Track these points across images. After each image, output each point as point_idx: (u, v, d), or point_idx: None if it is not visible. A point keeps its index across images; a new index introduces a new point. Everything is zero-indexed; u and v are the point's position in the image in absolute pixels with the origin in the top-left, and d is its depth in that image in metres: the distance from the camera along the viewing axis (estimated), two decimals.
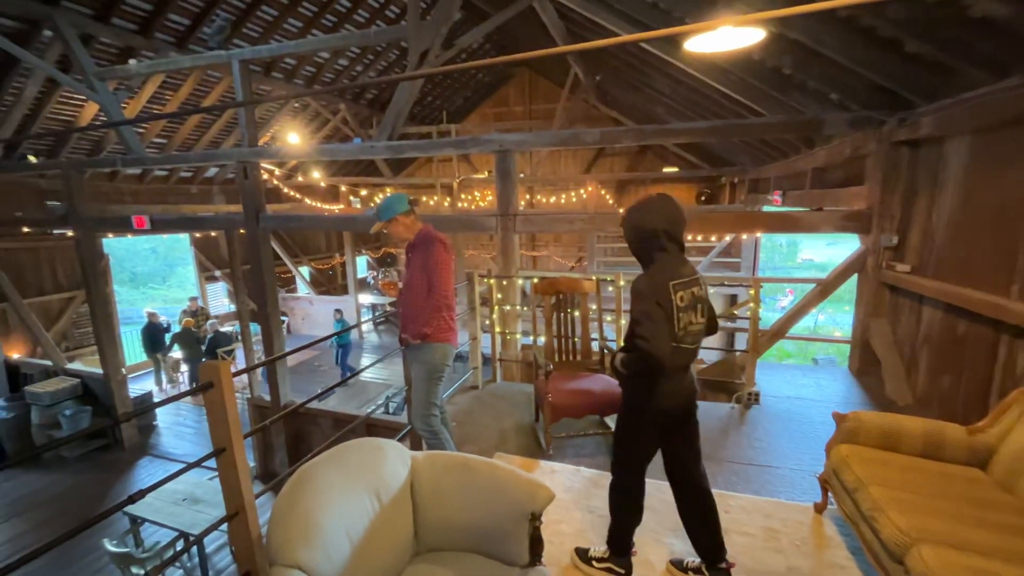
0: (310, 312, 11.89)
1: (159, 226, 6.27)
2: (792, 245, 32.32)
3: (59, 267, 8.54)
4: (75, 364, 7.68)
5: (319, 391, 7.79)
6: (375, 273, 15.15)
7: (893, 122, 3.57)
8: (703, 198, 11.02)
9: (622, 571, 2.10)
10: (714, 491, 2.08)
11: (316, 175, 11.00)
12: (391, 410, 7.05)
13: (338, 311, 10.08)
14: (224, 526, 4.25)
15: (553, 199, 12.39)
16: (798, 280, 9.71)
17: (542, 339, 3.67)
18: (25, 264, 8.10)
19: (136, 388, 7.88)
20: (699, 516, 2.04)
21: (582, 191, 10.73)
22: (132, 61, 6.94)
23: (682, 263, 1.90)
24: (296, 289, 12.98)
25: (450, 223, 6.37)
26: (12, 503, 5.68)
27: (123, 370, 7.24)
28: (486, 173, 11.32)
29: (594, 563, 2.15)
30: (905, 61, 3.07)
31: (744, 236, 8.21)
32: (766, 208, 7.75)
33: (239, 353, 9.56)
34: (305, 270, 13.12)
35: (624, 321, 4.21)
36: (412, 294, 2.77)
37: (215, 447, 1.72)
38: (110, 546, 4.18)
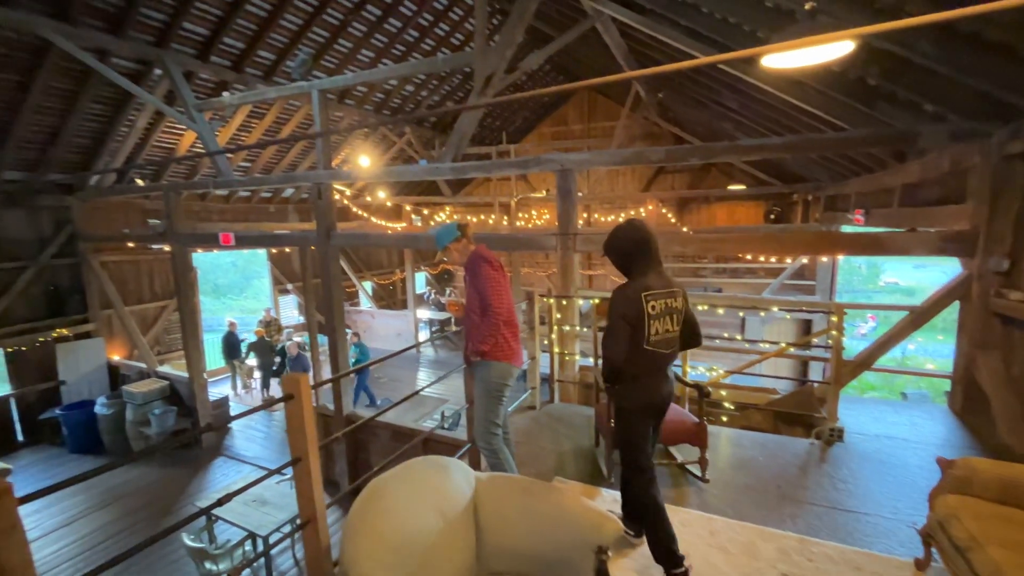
0: (372, 325, 12.36)
1: (242, 242, 6.79)
2: (873, 267, 29.89)
3: (156, 278, 9.44)
4: (164, 367, 8.39)
5: (378, 402, 8.03)
6: (432, 289, 15.55)
7: (1004, 134, 3.22)
8: (772, 216, 10.46)
9: (632, 533, 2.44)
10: (794, 535, 1.93)
11: (381, 195, 11.54)
12: (447, 426, 7.12)
13: (355, 334, 9.25)
14: (286, 529, 4.42)
15: (611, 217, 12.23)
16: (884, 307, 8.90)
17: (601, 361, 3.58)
18: (128, 275, 9.03)
19: (214, 392, 8.47)
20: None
21: (641, 209, 10.52)
22: (225, 94, 7.67)
23: (657, 276, 2.19)
24: (359, 303, 13.55)
25: (509, 242, 6.44)
26: (106, 491, 6.23)
27: (204, 374, 7.83)
28: (544, 192, 11.39)
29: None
30: (1019, 67, 2.77)
31: (823, 258, 7.67)
32: (846, 228, 7.22)
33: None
34: (368, 284, 13.70)
35: None
36: (470, 313, 2.84)
37: (293, 456, 1.80)
38: (187, 540, 4.45)
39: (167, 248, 8.40)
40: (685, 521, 2.69)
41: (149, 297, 9.34)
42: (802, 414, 4.05)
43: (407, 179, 7.91)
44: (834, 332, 3.50)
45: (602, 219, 11.79)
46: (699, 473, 3.09)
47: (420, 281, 15.57)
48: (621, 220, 2.36)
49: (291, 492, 5.31)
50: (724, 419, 4.20)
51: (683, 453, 3.37)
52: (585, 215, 12.83)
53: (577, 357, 5.00)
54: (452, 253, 2.89)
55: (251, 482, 1.76)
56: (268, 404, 2.06)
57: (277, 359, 9.49)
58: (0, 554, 0.97)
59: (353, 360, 8.96)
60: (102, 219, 8.57)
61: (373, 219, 10.70)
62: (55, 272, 8.02)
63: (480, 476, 1.95)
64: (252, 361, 9.73)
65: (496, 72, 4.92)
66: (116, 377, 8.28)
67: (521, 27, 4.69)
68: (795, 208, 10.43)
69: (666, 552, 2.10)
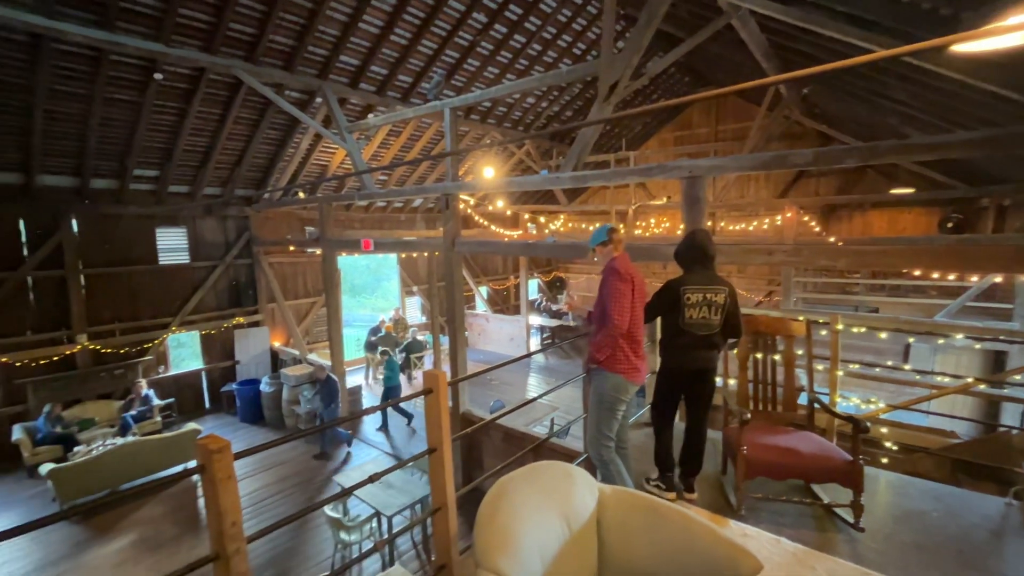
0: (486, 328, 12.88)
1: (380, 247, 7.53)
2: None
3: (308, 278, 10.88)
4: (312, 355, 9.61)
5: (490, 404, 8.32)
6: (544, 296, 15.74)
7: None
8: (951, 225, 8.75)
9: (665, 486, 2.98)
10: None
11: (499, 204, 12.02)
12: (557, 433, 7.12)
13: (384, 352, 9.03)
14: (406, 512, 4.73)
15: (739, 226, 11.29)
16: None
17: (732, 382, 3.30)
18: (287, 274, 10.54)
19: (351, 380, 9.49)
20: (691, 447, 2.93)
21: (777, 217, 9.50)
22: (370, 116, 8.60)
23: (703, 275, 2.82)
24: (475, 306, 14.22)
25: (629, 251, 6.26)
26: (266, 458, 7.29)
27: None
28: (664, 199, 10.91)
29: (648, 484, 3.04)
30: None
31: None
32: None
33: (428, 359, 10.82)
34: (483, 289, 14.32)
35: (840, 372, 3.54)
36: (594, 321, 2.82)
37: (429, 446, 1.94)
38: (327, 510, 5.02)
39: (318, 252, 9.64)
40: (833, 572, 2.35)
41: (303, 294, 10.79)
42: (994, 466, 3.31)
43: (528, 189, 8.13)
44: None
45: (730, 227, 10.90)
46: (851, 520, 2.69)
47: (533, 288, 15.87)
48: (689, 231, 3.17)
49: (412, 479, 5.73)
50: (884, 461, 3.60)
51: (829, 494, 2.96)
52: (710, 223, 12.01)
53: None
54: (597, 256, 2.96)
55: (389, 468, 1.93)
56: (410, 397, 2.24)
57: (402, 354, 10.36)
58: (221, 496, 1.21)
59: (384, 377, 8.54)
60: (271, 227, 10.13)
61: (493, 227, 11.18)
62: (236, 270, 9.66)
63: (604, 488, 1.91)
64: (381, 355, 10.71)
65: (621, 79, 4.84)
66: (276, 361, 9.70)
67: (649, 32, 4.56)
68: (984, 215, 8.63)
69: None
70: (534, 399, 3.66)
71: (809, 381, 3.11)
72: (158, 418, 7.75)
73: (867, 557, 2.51)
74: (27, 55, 5.65)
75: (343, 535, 4.91)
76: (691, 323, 2.76)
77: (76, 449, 6.51)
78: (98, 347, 7.87)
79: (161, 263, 8.64)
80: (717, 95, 2.47)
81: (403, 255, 12.60)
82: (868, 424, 2.59)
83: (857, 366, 3.75)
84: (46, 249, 7.39)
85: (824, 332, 3.29)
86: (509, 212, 12.20)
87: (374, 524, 5.14)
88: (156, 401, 7.89)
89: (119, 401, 7.85)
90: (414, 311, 13.66)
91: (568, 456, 3.25)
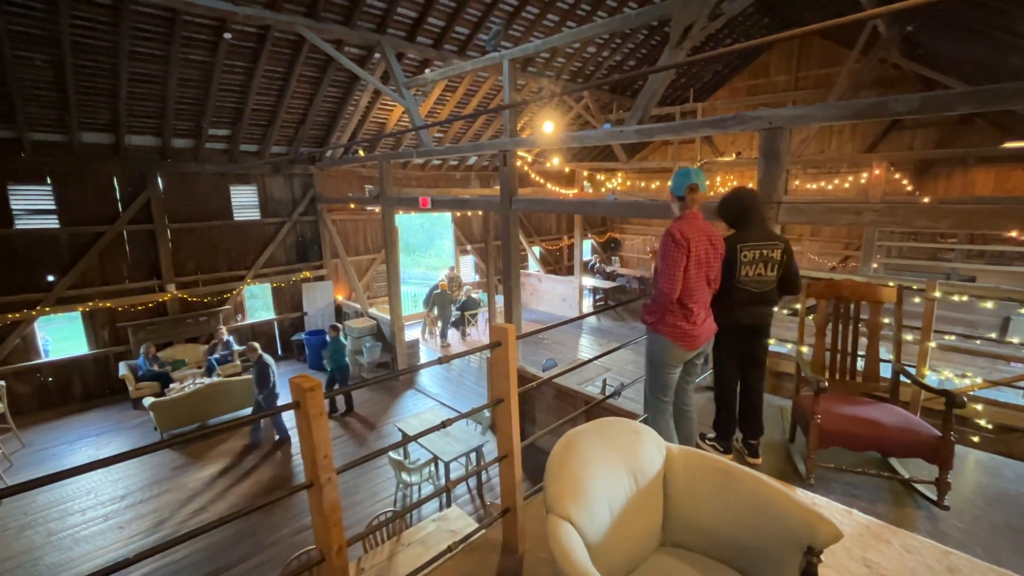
0: (538, 288, 12.90)
1: (437, 205, 7.60)
2: None
3: (368, 235, 11.24)
4: (372, 309, 10.06)
5: (543, 362, 8.42)
6: (598, 257, 15.46)
7: None
8: None
9: (722, 449, 3.01)
10: None
11: (555, 161, 11.71)
12: (608, 394, 7.15)
13: (334, 327, 7.79)
14: (462, 459, 4.97)
15: (818, 184, 10.39)
16: None
17: (805, 349, 3.12)
18: (349, 231, 10.92)
19: (408, 335, 9.89)
20: (749, 409, 2.94)
21: (863, 174, 8.63)
22: (427, 71, 8.49)
23: (759, 231, 2.82)
24: (527, 267, 14.23)
25: None
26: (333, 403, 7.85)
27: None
28: (734, 155, 10.19)
29: (706, 441, 3.10)
30: None
31: None
32: None
33: (481, 317, 11.04)
34: (536, 249, 14.25)
35: (932, 343, 3.26)
36: (654, 281, 2.76)
37: (495, 397, 1.98)
38: (391, 453, 5.37)
39: (377, 209, 9.87)
40: (910, 547, 2.25)
41: (363, 250, 11.18)
42: None
43: (589, 144, 7.83)
44: None
45: (808, 186, 10.03)
46: (934, 497, 2.53)
47: (587, 249, 15.61)
48: (744, 187, 3.04)
49: (467, 428, 5.99)
50: (975, 439, 3.34)
51: (908, 470, 2.80)
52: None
53: (771, 341, 4.47)
54: (675, 205, 2.72)
55: (453, 417, 1.99)
56: (478, 349, 2.27)
57: (456, 312, 10.62)
58: (314, 430, 1.30)
59: (328, 359, 7.63)
60: (333, 185, 10.45)
61: (549, 185, 10.95)
62: (302, 227, 10.11)
63: (672, 447, 1.89)
64: (435, 312, 11.03)
65: (697, 20, 4.45)
66: (339, 313, 10.24)
67: None
68: None
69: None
70: (589, 360, 3.65)
71: (896, 352, 2.88)
72: (237, 362, 8.47)
73: (950, 535, 2.37)
74: (110, 17, 5.96)
75: (404, 476, 5.24)
76: (746, 280, 2.79)
77: (171, 386, 7.28)
78: (185, 295, 8.61)
79: (236, 219, 9.19)
80: (814, 30, 2.21)
81: (458, 214, 12.69)
82: (964, 399, 2.38)
83: (952, 338, 3.42)
84: (137, 205, 8.03)
85: (917, 300, 3.01)
86: (568, 169, 11.85)
87: (432, 468, 5.45)
88: (235, 347, 8.60)
89: (203, 345, 8.64)
90: (467, 269, 13.87)
91: (622, 417, 3.27)
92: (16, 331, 7.20)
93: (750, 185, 3.45)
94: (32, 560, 4.65)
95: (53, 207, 7.41)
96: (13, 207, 7.10)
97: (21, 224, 7.19)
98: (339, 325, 8.00)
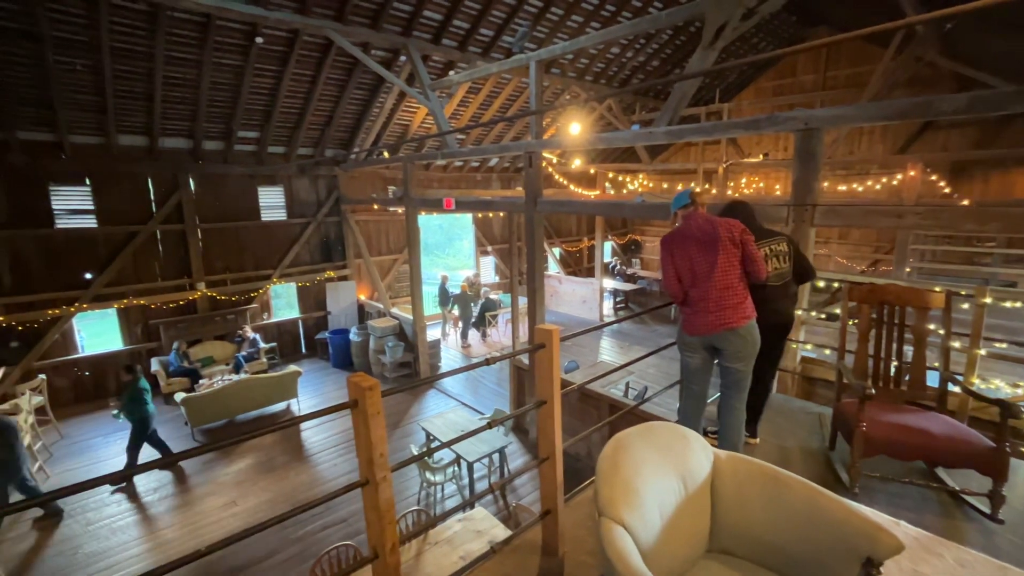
0: (558, 290, 12.86)
1: (460, 207, 7.63)
2: None
3: (390, 235, 11.35)
4: (394, 309, 10.14)
5: (564, 364, 8.38)
6: (619, 260, 15.36)
7: None
8: None
9: (748, 433, 3.09)
10: None
11: (577, 162, 11.66)
12: (630, 396, 7.09)
13: (128, 367, 5.85)
14: (484, 460, 4.96)
15: (848, 186, 10.12)
16: None
17: (846, 356, 3.05)
18: (372, 232, 11.04)
19: (430, 335, 9.94)
20: (754, 395, 2.95)
21: (896, 176, 8.39)
22: (452, 73, 8.54)
23: (758, 232, 2.92)
24: (547, 268, 14.19)
25: (711, 211, 5.85)
26: None
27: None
28: (760, 156, 10.01)
29: (708, 434, 3.12)
30: None
31: None
32: None
33: (501, 318, 11.06)
34: (556, 251, 14.21)
35: (982, 351, 3.16)
36: None
37: (539, 398, 1.97)
38: (414, 449, 5.40)
39: (400, 210, 9.96)
40: (964, 561, 2.17)
41: (385, 250, 11.29)
42: None
43: (617, 145, 7.77)
44: None
45: (839, 188, 9.78)
46: (986, 509, 2.44)
47: (607, 251, 15.51)
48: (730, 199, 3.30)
49: (491, 430, 5.99)
50: None
51: (957, 481, 2.70)
52: None
53: (797, 347, 4.38)
54: (679, 221, 2.92)
55: (480, 427, 1.99)
56: (517, 353, 2.28)
57: (476, 312, 10.66)
58: (372, 429, 1.31)
59: (122, 409, 5.65)
60: (357, 186, 10.58)
61: (571, 186, 10.91)
62: (326, 227, 10.26)
63: (719, 453, 1.86)
64: (456, 311, 11.09)
65: (730, 20, 4.39)
66: (362, 313, 10.36)
67: None
68: None
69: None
70: (620, 367, 3.62)
71: (944, 359, 2.79)
72: (264, 359, 8.62)
73: (1005, 550, 2.28)
74: (147, 23, 6.13)
75: (428, 475, 5.27)
76: (768, 275, 2.83)
77: (201, 382, 7.45)
78: (214, 294, 8.81)
79: (263, 219, 9.36)
80: (859, 35, 2.15)
81: (479, 215, 12.72)
82: (1022, 407, 2.29)
83: (1004, 345, 3.30)
84: (169, 205, 8.24)
85: (966, 306, 2.91)
86: (593, 171, 11.79)
87: (455, 468, 5.47)
88: (262, 344, 8.75)
89: (232, 343, 8.82)
90: (487, 271, 13.90)
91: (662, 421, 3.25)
92: (56, 326, 7.45)
93: (776, 189, 3.60)
94: (72, 548, 4.80)
95: (91, 207, 7.66)
96: (54, 207, 7.36)
97: (61, 223, 7.45)
98: (136, 366, 5.87)
